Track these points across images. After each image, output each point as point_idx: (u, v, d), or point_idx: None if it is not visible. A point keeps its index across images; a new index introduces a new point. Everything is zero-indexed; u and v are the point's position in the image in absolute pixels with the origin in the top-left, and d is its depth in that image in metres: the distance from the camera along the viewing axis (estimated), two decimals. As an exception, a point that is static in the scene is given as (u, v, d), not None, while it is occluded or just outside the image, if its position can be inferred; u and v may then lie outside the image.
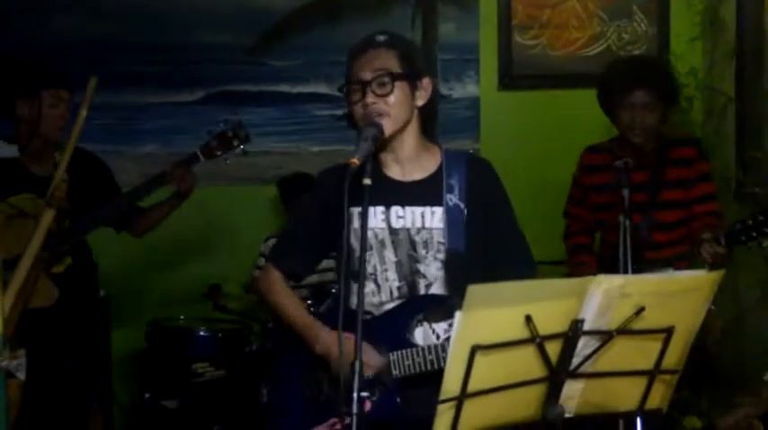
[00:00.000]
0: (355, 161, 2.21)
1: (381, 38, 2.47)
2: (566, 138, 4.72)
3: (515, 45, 4.93)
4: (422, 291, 2.49)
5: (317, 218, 2.57)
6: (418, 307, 2.49)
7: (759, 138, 4.32)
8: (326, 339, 2.47)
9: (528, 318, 1.77)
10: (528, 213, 4.76)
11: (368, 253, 2.47)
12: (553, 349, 1.82)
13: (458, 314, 1.72)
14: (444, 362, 2.31)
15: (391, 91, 2.42)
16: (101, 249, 3.83)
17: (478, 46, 4.95)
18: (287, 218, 4.41)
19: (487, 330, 1.76)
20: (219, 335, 4.15)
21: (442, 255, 2.48)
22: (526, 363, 1.83)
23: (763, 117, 4.28)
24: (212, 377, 4.09)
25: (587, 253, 3.71)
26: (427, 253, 2.49)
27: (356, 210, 2.44)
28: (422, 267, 2.49)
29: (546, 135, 4.91)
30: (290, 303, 2.60)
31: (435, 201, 2.49)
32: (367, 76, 2.41)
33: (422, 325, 2.49)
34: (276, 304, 2.61)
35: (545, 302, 1.78)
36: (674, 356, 1.91)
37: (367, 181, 2.20)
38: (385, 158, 2.51)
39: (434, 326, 2.49)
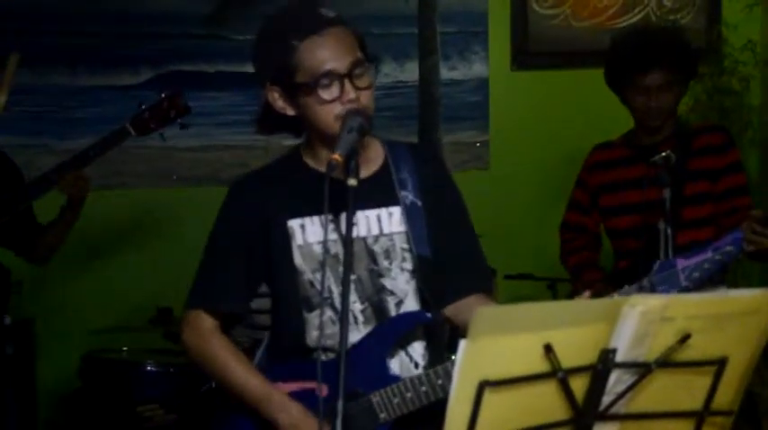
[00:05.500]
0: (337, 157, 2.22)
1: (331, 13, 2.44)
2: (592, 128, 4.73)
3: (532, 15, 4.96)
4: (392, 312, 2.51)
5: (242, 240, 2.54)
6: (391, 332, 2.50)
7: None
8: (294, 415, 2.42)
9: (548, 348, 1.76)
10: (546, 218, 4.82)
11: (319, 273, 2.48)
12: (579, 385, 1.82)
13: (462, 342, 1.72)
14: (442, 391, 2.36)
15: (372, 81, 2.44)
16: (19, 264, 3.82)
17: (487, 16, 4.97)
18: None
19: (498, 362, 1.75)
20: (171, 370, 4.14)
21: (409, 264, 2.52)
22: (546, 403, 1.82)
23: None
24: (162, 422, 4.07)
25: (596, 269, 3.78)
26: (391, 264, 2.51)
27: (297, 223, 2.49)
28: (388, 282, 2.51)
29: (568, 124, 4.94)
30: (235, 363, 2.51)
31: (390, 199, 2.51)
32: (341, 65, 2.39)
33: (397, 353, 2.51)
34: (216, 364, 2.52)
35: (568, 328, 1.77)
36: (727, 394, 1.91)
37: (352, 181, 2.21)
38: (321, 154, 2.49)
39: (409, 350, 2.53)
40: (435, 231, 2.54)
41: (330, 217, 2.41)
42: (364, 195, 2.36)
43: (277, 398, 2.46)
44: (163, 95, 3.62)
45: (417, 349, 2.53)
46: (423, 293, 2.52)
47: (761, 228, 3.19)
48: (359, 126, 2.32)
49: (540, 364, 1.78)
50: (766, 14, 4.86)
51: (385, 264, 2.51)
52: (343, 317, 2.14)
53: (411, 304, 2.52)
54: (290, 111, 2.47)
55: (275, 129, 2.57)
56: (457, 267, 2.58)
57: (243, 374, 2.49)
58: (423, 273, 2.50)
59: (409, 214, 2.50)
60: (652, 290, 2.49)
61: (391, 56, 4.89)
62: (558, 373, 1.78)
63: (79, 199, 3.65)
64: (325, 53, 2.39)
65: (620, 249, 3.72)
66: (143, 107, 3.61)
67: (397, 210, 2.51)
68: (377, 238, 2.51)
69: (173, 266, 4.76)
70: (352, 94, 2.38)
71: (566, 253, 3.85)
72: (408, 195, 2.51)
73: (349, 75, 2.38)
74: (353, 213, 2.20)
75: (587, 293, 2.47)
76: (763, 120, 4.83)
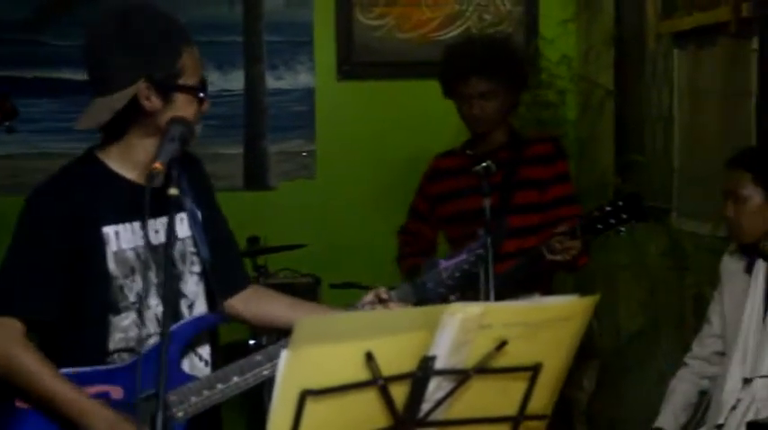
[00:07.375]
0: (158, 166, 2.24)
1: None
2: (417, 138, 4.81)
3: (357, 25, 5.00)
4: (185, 314, 2.57)
5: (51, 247, 2.47)
6: (183, 334, 2.53)
7: (641, 139, 4.51)
8: (107, 421, 2.39)
9: (369, 356, 1.78)
10: (371, 227, 4.86)
11: (129, 278, 2.50)
12: (400, 393, 1.84)
13: (283, 352, 1.72)
14: (236, 388, 2.49)
15: None
16: None
17: (313, 26, 4.99)
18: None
19: (321, 371, 1.76)
20: None
21: (197, 268, 2.60)
22: (368, 411, 1.84)
23: (646, 115, 4.46)
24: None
25: None
26: (184, 267, 2.58)
27: (112, 230, 2.48)
28: (182, 285, 2.57)
29: (394, 134, 5.00)
30: (45, 372, 2.43)
31: (179, 206, 2.52)
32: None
33: (188, 354, 2.57)
34: (24, 373, 2.43)
35: (389, 337, 1.79)
36: (542, 399, 1.96)
37: (174, 191, 2.22)
38: (138, 159, 2.51)
39: (199, 351, 2.60)
40: (210, 234, 2.61)
41: (139, 223, 2.47)
42: (160, 202, 2.34)
43: (89, 406, 2.42)
44: None
45: (206, 349, 2.61)
46: (211, 295, 2.60)
47: (566, 240, 3.35)
48: (181, 135, 2.35)
49: (361, 373, 1.79)
50: (580, 31, 5.03)
51: (180, 268, 2.57)
52: (165, 319, 2.16)
53: (201, 306, 2.60)
54: (152, 109, 2.43)
55: (104, 127, 2.52)
56: (231, 264, 2.73)
57: (53, 383, 2.43)
58: (208, 276, 2.59)
59: (192, 219, 2.57)
60: (423, 286, 2.73)
61: (215, 64, 4.86)
62: (378, 381, 1.80)
63: None
64: (199, 62, 2.49)
65: None
66: None
67: (184, 216, 2.57)
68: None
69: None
70: (207, 105, 2.49)
71: (400, 256, 3.89)
72: (188, 201, 2.55)
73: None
74: (173, 221, 2.23)
75: None
76: (577, 131, 4.99)
